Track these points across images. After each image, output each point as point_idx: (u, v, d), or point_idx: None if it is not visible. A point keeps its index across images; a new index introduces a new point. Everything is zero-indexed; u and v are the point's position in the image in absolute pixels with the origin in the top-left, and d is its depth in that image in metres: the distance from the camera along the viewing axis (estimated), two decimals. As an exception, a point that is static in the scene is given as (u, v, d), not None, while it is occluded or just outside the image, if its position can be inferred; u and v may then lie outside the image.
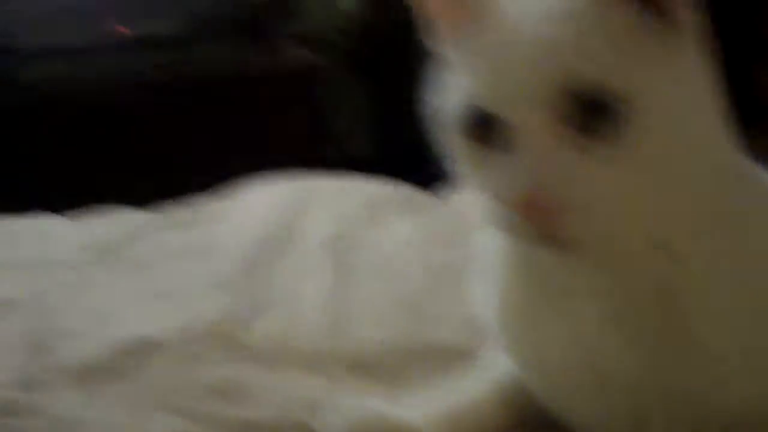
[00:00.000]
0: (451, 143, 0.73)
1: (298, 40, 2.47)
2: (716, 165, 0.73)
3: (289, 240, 1.24)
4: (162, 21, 2.30)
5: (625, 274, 0.73)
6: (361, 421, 0.85)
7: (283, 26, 2.45)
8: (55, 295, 1.10)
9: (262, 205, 1.35)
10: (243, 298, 1.09)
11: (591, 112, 0.66)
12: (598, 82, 0.66)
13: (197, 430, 0.86)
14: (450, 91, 0.73)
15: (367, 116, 2.75)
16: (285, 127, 2.29)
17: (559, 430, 0.82)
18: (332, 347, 1.00)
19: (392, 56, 2.63)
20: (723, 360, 0.73)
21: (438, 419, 0.85)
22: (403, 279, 1.13)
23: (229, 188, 1.46)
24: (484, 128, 0.69)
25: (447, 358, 0.97)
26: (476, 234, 0.86)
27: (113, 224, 1.33)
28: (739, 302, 0.73)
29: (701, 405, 0.74)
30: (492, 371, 0.88)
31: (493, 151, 0.69)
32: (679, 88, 0.69)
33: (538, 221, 0.67)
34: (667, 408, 0.75)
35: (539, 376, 0.82)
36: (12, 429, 0.85)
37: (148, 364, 0.96)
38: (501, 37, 0.69)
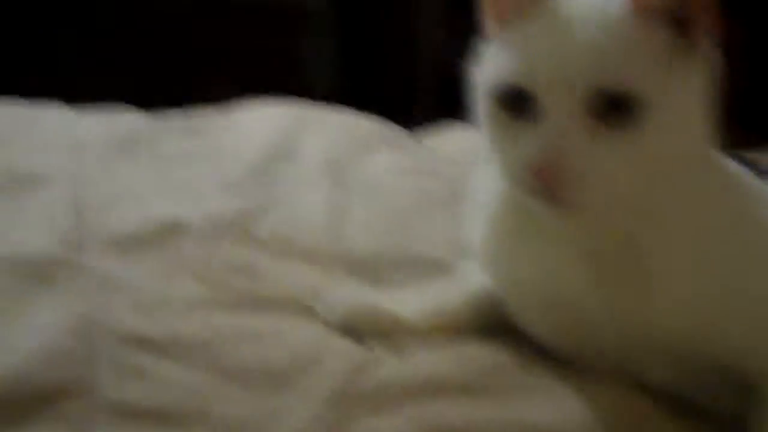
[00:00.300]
0: (483, 108, 0.89)
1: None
2: (698, 158, 0.90)
3: (288, 155, 1.38)
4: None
5: (601, 229, 0.89)
6: (357, 308, 1.01)
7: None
8: (86, 175, 1.24)
9: (262, 123, 1.48)
10: (251, 199, 1.23)
11: (613, 106, 0.82)
12: (626, 86, 0.82)
13: (216, 296, 1.01)
14: (491, 65, 0.88)
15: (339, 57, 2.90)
16: (265, 57, 2.41)
17: (520, 337, 0.98)
18: (330, 247, 1.15)
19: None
20: (674, 300, 0.89)
21: (423, 314, 1.01)
22: (393, 200, 1.29)
23: (226, 106, 1.59)
24: (516, 101, 0.85)
25: (430, 267, 1.12)
26: (473, 171, 1.02)
27: (127, 122, 1.47)
28: (694, 259, 0.90)
29: (644, 334, 0.91)
30: (470, 282, 1.03)
31: (519, 121, 0.85)
32: (689, 98, 0.86)
33: (548, 183, 0.82)
34: (616, 334, 0.92)
35: (511, 295, 0.98)
36: (60, 282, 1.00)
37: (176, 241, 1.10)
38: (552, 30, 0.84)
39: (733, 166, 0.96)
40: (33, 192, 1.17)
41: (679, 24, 0.85)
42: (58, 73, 2.20)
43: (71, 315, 0.92)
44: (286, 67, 2.44)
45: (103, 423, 0.80)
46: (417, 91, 2.50)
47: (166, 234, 1.11)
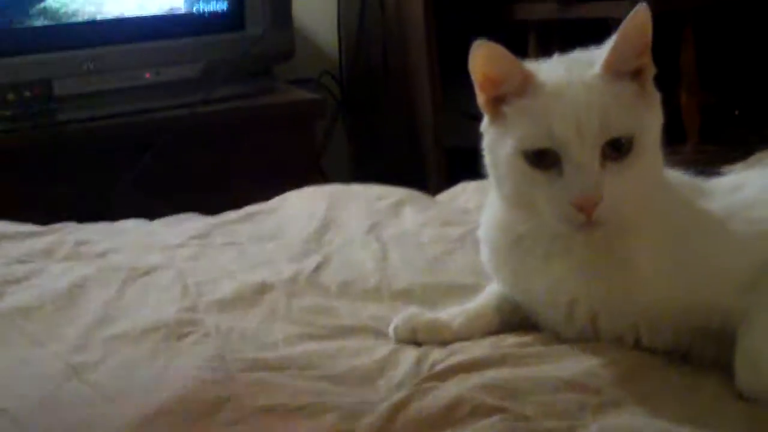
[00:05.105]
0: (508, 168, 1.18)
1: (295, 82, 2.98)
2: (659, 172, 1.22)
3: (333, 224, 1.73)
4: (182, 67, 2.76)
5: (600, 239, 1.19)
6: (414, 319, 1.31)
7: (282, 71, 2.96)
8: (182, 264, 1.57)
9: (305, 202, 1.84)
10: (312, 260, 1.59)
11: (612, 146, 1.14)
12: (620, 130, 1.14)
13: (307, 331, 1.34)
14: (508, 136, 1.17)
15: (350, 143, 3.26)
16: (286, 151, 2.75)
17: (531, 328, 1.30)
18: (382, 286, 1.48)
19: (369, 95, 3.15)
20: (649, 282, 1.20)
21: (458, 316, 1.32)
22: (425, 247, 1.64)
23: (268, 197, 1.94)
24: (540, 159, 1.15)
25: (461, 290, 1.44)
26: (482, 214, 1.34)
27: (195, 223, 1.81)
28: (662, 249, 1.20)
29: (629, 314, 1.22)
30: (491, 293, 1.36)
31: (544, 172, 1.15)
32: (652, 128, 1.18)
33: (588, 213, 1.13)
34: (609, 316, 1.24)
35: (524, 299, 1.30)
36: (190, 335, 1.32)
37: (267, 298, 1.44)
38: (554, 100, 1.14)
39: (673, 172, 1.28)
40: (148, 280, 1.50)
41: (634, 75, 1.17)
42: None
43: (207, 353, 1.24)
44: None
45: (254, 421, 1.11)
46: (423, 160, 2.85)
47: (258, 294, 1.44)
